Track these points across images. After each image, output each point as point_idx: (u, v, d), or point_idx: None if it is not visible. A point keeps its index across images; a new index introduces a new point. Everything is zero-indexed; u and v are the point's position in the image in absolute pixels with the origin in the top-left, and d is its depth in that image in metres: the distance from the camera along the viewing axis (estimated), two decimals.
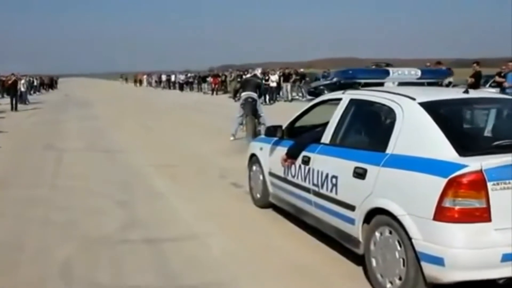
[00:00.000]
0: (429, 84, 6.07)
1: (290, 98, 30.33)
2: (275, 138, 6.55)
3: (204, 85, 44.98)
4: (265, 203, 6.99)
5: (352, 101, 5.32)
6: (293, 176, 5.89)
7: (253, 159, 7.29)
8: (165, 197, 7.82)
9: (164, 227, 6.39)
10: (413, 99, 4.56)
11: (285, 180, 6.14)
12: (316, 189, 5.35)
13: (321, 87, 29.86)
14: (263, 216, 6.80)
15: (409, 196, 4.07)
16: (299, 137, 6.00)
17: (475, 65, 17.30)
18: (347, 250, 4.98)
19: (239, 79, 32.91)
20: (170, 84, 55.25)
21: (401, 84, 5.83)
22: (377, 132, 5.11)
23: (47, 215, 6.88)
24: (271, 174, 6.63)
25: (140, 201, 7.61)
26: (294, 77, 31.16)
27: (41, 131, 17.36)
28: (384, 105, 4.85)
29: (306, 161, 5.59)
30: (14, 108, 26.65)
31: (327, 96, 6.36)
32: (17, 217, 6.86)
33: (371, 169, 4.49)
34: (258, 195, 7.13)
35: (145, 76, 72.39)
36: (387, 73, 5.85)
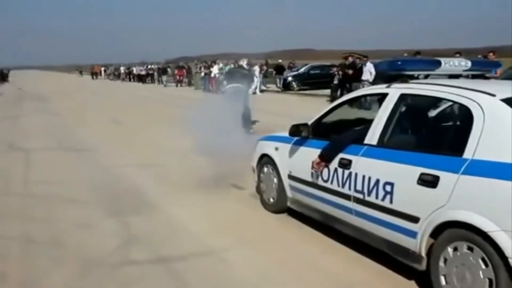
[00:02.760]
0: (473, 76, 5.47)
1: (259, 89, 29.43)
2: (295, 137, 5.79)
3: (164, 77, 44.01)
4: (279, 208, 6.26)
5: (403, 97, 4.61)
6: (326, 181, 5.12)
7: (264, 159, 6.51)
8: (159, 204, 6.89)
9: (169, 242, 5.50)
10: (493, 95, 3.86)
11: (312, 184, 5.38)
12: (360, 196, 4.61)
13: (290, 79, 29.36)
14: (280, 223, 6.06)
15: (503, 209, 3.37)
16: (335, 137, 5.24)
17: (491, 54, 16.71)
18: (394, 263, 4.42)
19: (206, 71, 32.13)
20: (130, 77, 53.69)
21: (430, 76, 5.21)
22: (447, 133, 4.40)
23: (25, 232, 5.89)
24: (291, 177, 5.85)
25: (130, 209, 6.62)
26: (265, 68, 30.56)
27: (1, 128, 16.02)
28: (454, 101, 4.16)
29: (346, 164, 4.82)
30: None
31: (365, 90, 5.55)
32: None
33: (446, 177, 3.78)
34: (272, 200, 6.35)
35: (102, 68, 69.85)
36: (439, 64, 5.21)
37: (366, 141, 4.72)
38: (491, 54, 16.58)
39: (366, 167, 4.58)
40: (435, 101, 4.59)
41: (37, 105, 24.83)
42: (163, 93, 34.04)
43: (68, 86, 47.30)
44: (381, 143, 4.57)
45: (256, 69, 28.36)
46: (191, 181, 7.78)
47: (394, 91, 4.67)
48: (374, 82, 18.84)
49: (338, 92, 21.31)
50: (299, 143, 5.73)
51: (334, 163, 4.99)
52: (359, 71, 18.98)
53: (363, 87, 18.45)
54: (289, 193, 5.99)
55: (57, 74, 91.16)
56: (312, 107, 18.19)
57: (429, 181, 3.88)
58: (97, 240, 5.60)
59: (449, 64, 5.21)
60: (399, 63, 5.37)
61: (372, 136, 4.67)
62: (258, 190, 6.80)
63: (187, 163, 8.67)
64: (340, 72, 20.87)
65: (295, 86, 29.21)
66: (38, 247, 5.43)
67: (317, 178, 5.26)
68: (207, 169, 7.95)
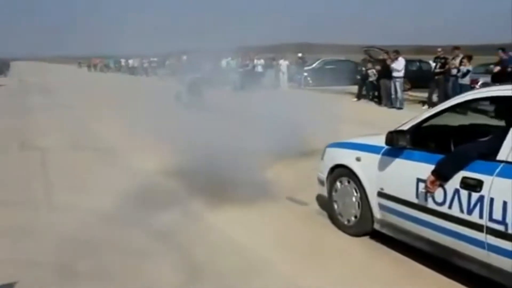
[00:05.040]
0: None
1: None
2: (385, 147, 4.88)
3: (162, 70, 42.37)
4: (361, 230, 5.33)
5: None
6: (441, 204, 4.17)
7: (339, 171, 5.58)
8: (211, 222, 5.92)
9: (243, 275, 4.57)
10: None
11: (419, 207, 4.42)
12: (499, 227, 3.67)
13: (306, 75, 28.16)
14: (367, 250, 5.09)
15: None
16: (454, 150, 4.32)
17: (500, 51, 15.87)
18: None
19: None
20: (131, 69, 53.18)
21: None
22: None
23: (61, 261, 4.90)
24: (383, 195, 4.91)
25: (183, 230, 5.62)
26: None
27: (9, 125, 15.03)
28: None
29: (474, 185, 3.88)
30: None
31: (482, 92, 4.58)
32: (16, 262, 4.91)
33: None
34: (351, 220, 5.41)
35: (98, 60, 70.50)
36: None
37: (500, 157, 3.79)
38: None
39: (507, 191, 3.65)
40: None
41: (44, 99, 23.69)
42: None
43: (68, 77, 46.11)
44: None
45: (282, 63, 27.23)
46: (237, 194, 6.72)
47: None
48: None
49: (364, 90, 20.44)
50: (393, 154, 4.79)
51: (454, 183, 4.06)
52: (389, 67, 17.99)
53: (394, 84, 17.57)
54: (377, 213, 5.06)
55: (55, 66, 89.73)
56: (349, 106, 17.31)
57: None
58: (155, 271, 4.67)
59: None
60: None
61: (508, 151, 3.76)
62: (328, 207, 5.88)
63: (223, 169, 7.61)
64: (374, 68, 19.64)
65: (310, 81, 28.02)
66: (82, 283, 4.50)
67: (427, 199, 4.32)
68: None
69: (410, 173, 4.52)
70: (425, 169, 4.29)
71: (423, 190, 4.34)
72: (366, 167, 5.14)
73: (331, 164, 5.71)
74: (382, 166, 4.91)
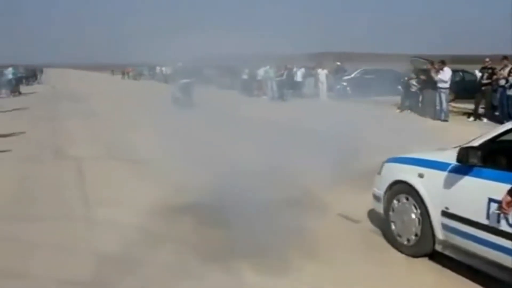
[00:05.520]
0: None
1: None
2: (452, 163, 4.59)
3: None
4: (421, 250, 5.04)
5: None
6: None
7: (398, 187, 5.31)
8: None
9: None
10: None
11: (492, 230, 4.14)
12: None
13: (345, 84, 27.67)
14: (433, 274, 4.79)
15: None
16: None
17: None
18: None
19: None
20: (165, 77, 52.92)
21: None
22: None
23: (100, 280, 4.72)
24: (448, 214, 4.62)
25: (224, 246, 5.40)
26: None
27: (44, 132, 15.08)
28: None
29: None
30: None
31: None
32: (54, 280, 4.74)
33: None
34: (411, 240, 5.12)
35: (131, 69, 71.89)
36: None
37: None
38: None
39: None
40: None
41: (76, 106, 23.84)
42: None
43: (104, 85, 46.48)
44: None
45: (321, 72, 26.85)
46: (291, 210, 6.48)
47: None
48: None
49: (407, 102, 20.00)
50: (462, 172, 4.50)
51: None
52: (433, 78, 17.55)
53: (439, 95, 17.14)
54: (440, 234, 4.76)
55: (88, 74, 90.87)
56: (392, 118, 16.89)
57: None
58: None
59: None
60: None
61: None
62: (384, 225, 5.61)
63: (275, 186, 7.37)
64: (417, 78, 19.19)
65: (349, 91, 27.48)
66: None
67: (500, 221, 4.03)
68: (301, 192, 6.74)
69: (481, 192, 4.24)
70: (499, 189, 3.99)
71: (496, 211, 4.03)
72: (429, 184, 4.86)
73: (390, 180, 5.44)
74: (448, 184, 4.63)
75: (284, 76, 27.44)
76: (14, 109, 22.10)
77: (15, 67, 37.94)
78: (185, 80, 22.07)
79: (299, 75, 27.69)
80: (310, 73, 27.70)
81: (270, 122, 11.36)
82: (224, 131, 11.66)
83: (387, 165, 5.66)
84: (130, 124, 16.60)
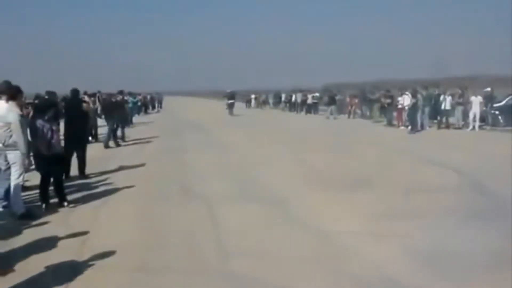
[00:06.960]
0: None
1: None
2: None
3: (332, 107, 37.86)
4: None
5: None
6: None
7: None
8: None
9: None
10: None
11: None
12: None
13: (497, 113, 25.46)
14: None
15: None
16: None
17: None
18: None
19: (388, 101, 28.80)
20: (291, 106, 51.06)
21: None
22: None
23: None
24: None
25: None
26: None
27: (166, 166, 14.81)
28: None
29: None
30: (117, 139, 20.65)
31: None
32: None
33: None
34: None
35: (253, 96, 69.92)
36: None
37: None
38: None
39: None
40: None
41: (196, 137, 23.72)
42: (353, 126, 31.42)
43: (218, 112, 46.39)
44: None
45: (474, 100, 24.81)
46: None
47: None
48: None
49: None
50: None
51: None
52: None
53: None
54: None
55: (206, 101, 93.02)
56: None
57: None
58: None
59: None
60: None
61: None
62: None
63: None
64: None
65: (501, 120, 25.39)
66: None
67: None
68: None
69: None
70: None
71: None
72: None
73: None
74: None
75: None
76: (134, 141, 22.28)
77: (133, 94, 38.30)
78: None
79: (447, 103, 25.62)
80: (459, 100, 25.47)
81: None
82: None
83: None
84: (255, 156, 16.09)
